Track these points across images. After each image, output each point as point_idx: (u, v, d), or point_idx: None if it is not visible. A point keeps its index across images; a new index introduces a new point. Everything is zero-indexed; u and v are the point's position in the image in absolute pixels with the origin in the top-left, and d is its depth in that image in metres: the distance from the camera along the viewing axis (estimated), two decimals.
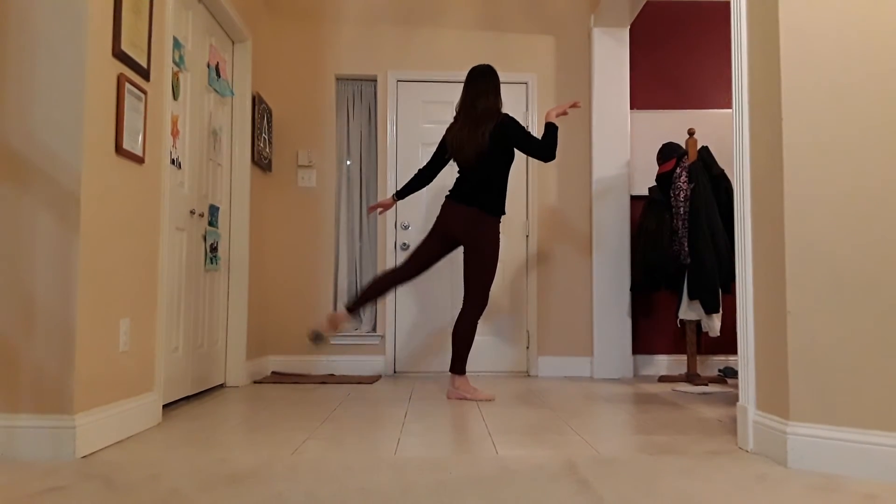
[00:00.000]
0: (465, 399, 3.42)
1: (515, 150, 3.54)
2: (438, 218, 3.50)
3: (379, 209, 3.76)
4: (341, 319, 3.52)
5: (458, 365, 3.45)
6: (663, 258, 4.13)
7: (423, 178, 3.69)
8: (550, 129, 3.37)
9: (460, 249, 4.43)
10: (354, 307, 3.52)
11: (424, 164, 3.62)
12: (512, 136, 3.38)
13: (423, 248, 3.53)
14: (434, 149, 4.62)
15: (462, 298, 3.61)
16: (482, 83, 3.48)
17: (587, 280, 4.63)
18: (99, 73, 2.25)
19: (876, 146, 2.01)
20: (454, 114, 3.62)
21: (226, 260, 3.90)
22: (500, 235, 3.48)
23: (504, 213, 3.50)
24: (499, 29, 4.76)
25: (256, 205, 4.26)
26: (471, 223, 3.41)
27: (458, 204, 3.44)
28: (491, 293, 4.63)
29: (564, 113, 3.46)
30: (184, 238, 3.26)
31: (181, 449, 2.26)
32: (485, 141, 3.36)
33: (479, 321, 3.44)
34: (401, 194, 3.72)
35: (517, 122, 3.41)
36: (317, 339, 3.50)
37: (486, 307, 3.57)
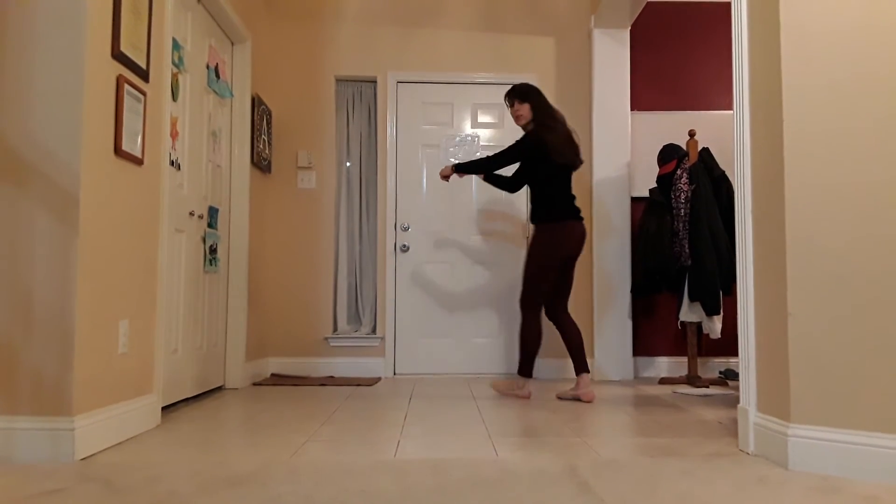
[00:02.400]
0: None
1: (538, 162, 3.55)
2: (570, 242, 3.49)
3: (445, 178, 3.74)
4: (528, 386, 3.59)
5: (583, 363, 3.52)
6: (664, 260, 4.12)
7: (505, 184, 3.81)
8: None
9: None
10: (530, 372, 3.55)
11: (522, 179, 3.76)
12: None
13: (551, 279, 3.50)
14: (431, 151, 4.69)
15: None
16: (545, 98, 3.66)
17: (588, 282, 4.62)
18: (98, 75, 2.25)
19: (878, 147, 2.01)
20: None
21: (225, 261, 3.90)
22: (547, 240, 3.51)
23: (549, 220, 3.52)
24: (499, 30, 4.75)
25: (256, 206, 4.26)
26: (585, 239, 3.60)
27: (581, 221, 3.57)
28: (492, 294, 4.63)
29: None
30: (183, 239, 3.25)
31: (180, 451, 2.25)
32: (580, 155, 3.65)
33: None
34: (469, 172, 3.71)
35: (518, 141, 3.55)
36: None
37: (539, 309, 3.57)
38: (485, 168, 3.61)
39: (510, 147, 3.54)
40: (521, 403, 3.38)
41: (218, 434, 2.55)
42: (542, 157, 3.48)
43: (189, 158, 3.31)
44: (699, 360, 4.65)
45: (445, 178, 3.67)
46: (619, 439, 2.49)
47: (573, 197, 3.58)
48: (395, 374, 4.56)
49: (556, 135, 3.50)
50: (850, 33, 2.06)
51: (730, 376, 4.42)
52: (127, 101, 2.42)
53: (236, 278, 3.95)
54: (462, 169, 3.65)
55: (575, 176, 4.66)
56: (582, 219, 3.57)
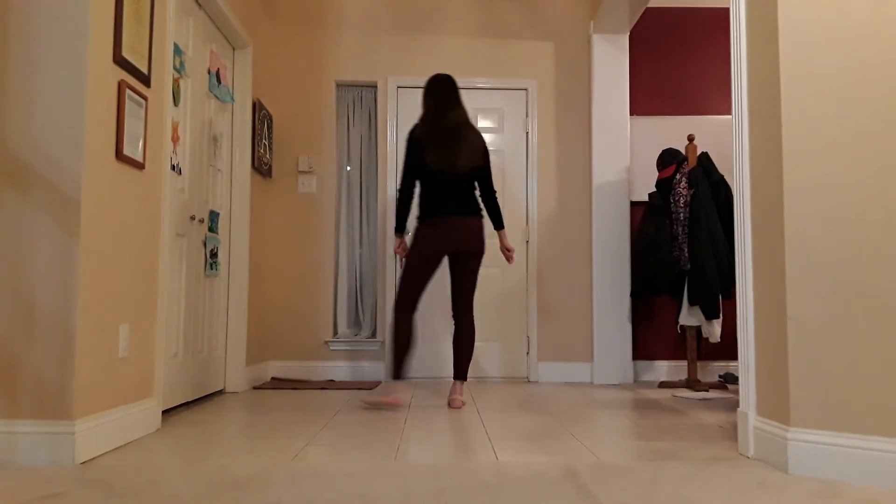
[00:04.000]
0: (458, 405, 3.36)
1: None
2: (435, 238, 3.31)
3: (400, 251, 3.55)
4: (397, 391, 3.29)
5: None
6: (663, 264, 4.12)
7: (409, 195, 3.40)
8: (499, 222, 3.54)
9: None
10: (398, 374, 3.31)
11: (403, 188, 3.38)
12: (487, 156, 3.44)
13: (420, 276, 3.33)
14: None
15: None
16: (453, 93, 3.42)
17: (587, 286, 4.63)
18: (100, 80, 2.26)
19: (876, 151, 2.02)
20: (418, 124, 3.42)
21: (226, 266, 3.90)
22: (414, 239, 3.42)
23: (418, 220, 3.41)
24: (499, 35, 4.77)
25: (256, 210, 4.26)
26: (478, 235, 3.38)
27: (460, 217, 3.32)
28: (491, 298, 4.63)
29: (502, 247, 3.56)
30: (184, 244, 3.26)
31: (180, 455, 2.25)
32: (477, 155, 3.36)
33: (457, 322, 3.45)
34: (402, 228, 3.48)
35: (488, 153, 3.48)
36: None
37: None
38: (399, 205, 3.41)
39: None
40: (520, 408, 3.38)
41: (218, 438, 2.55)
42: (413, 158, 3.35)
43: (190, 163, 3.32)
44: (699, 363, 4.65)
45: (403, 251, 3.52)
46: (619, 443, 2.49)
47: (462, 196, 3.34)
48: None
49: (429, 138, 3.32)
50: (849, 39, 2.07)
51: (729, 380, 4.43)
52: (128, 106, 2.43)
53: (237, 282, 3.96)
54: (400, 229, 3.48)
55: (575, 179, 4.70)
56: (460, 214, 3.31)
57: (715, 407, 3.43)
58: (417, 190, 3.53)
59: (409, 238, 4.17)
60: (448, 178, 3.33)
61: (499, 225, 3.55)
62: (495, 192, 3.51)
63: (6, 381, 2.11)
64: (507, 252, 3.58)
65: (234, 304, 3.94)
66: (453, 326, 3.47)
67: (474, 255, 3.40)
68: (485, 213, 3.50)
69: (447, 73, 4.61)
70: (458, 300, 3.44)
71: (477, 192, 3.47)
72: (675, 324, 4.61)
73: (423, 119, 3.42)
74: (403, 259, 3.39)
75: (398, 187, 3.46)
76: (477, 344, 4.60)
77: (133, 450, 2.33)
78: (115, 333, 2.39)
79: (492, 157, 4.70)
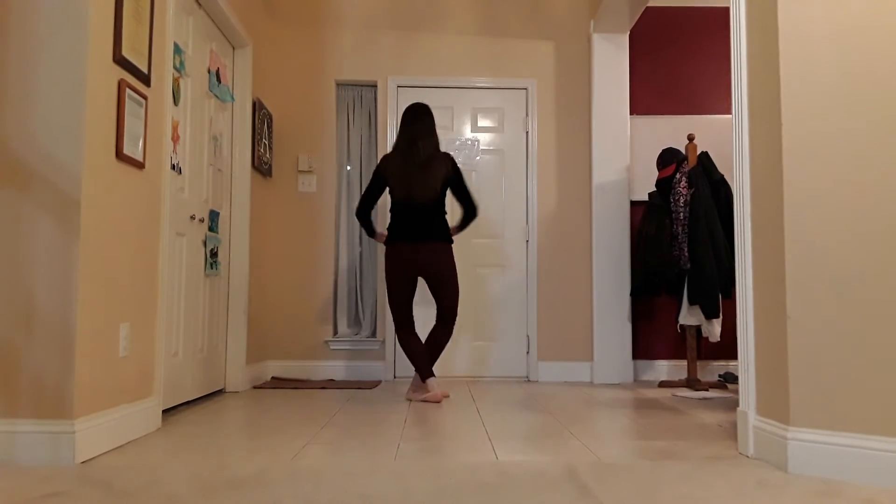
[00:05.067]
0: (434, 398, 3.49)
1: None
2: (399, 263, 3.52)
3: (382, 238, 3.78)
4: (430, 388, 3.51)
5: (428, 370, 3.55)
6: (663, 263, 4.13)
7: (368, 211, 3.68)
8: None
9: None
10: (426, 372, 3.55)
11: (363, 204, 3.67)
12: (456, 184, 3.61)
13: (401, 297, 3.58)
14: None
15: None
16: (424, 122, 3.60)
17: (587, 285, 4.63)
18: (100, 79, 2.26)
19: (876, 151, 2.02)
20: (388, 154, 3.65)
21: (226, 265, 3.91)
22: (385, 263, 3.66)
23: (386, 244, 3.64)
24: (499, 34, 4.77)
25: (257, 210, 4.26)
26: (440, 259, 3.55)
27: (420, 242, 3.52)
28: (491, 298, 4.64)
29: None
30: (184, 243, 3.26)
31: (181, 454, 2.26)
32: (439, 185, 3.54)
33: (462, 320, 3.68)
34: (375, 232, 3.76)
35: (460, 171, 3.64)
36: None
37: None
38: (361, 222, 3.71)
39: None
40: (520, 407, 3.38)
41: (218, 437, 2.55)
42: (374, 188, 3.64)
43: (190, 162, 3.32)
44: (698, 363, 4.65)
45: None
46: (619, 442, 2.49)
47: (425, 220, 3.52)
48: (394, 377, 4.56)
49: (394, 166, 3.57)
50: (849, 38, 2.07)
51: (729, 379, 4.43)
52: (128, 106, 2.43)
53: (237, 282, 3.96)
54: (372, 233, 3.76)
55: (575, 179, 4.70)
56: (421, 239, 3.50)
57: (715, 406, 3.43)
58: (375, 212, 3.86)
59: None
60: (412, 207, 3.55)
61: (455, 229, 3.72)
62: (475, 207, 3.66)
63: (6, 381, 2.11)
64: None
65: (234, 303, 3.94)
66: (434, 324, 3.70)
67: (439, 279, 3.57)
68: (447, 234, 3.62)
69: (451, 73, 4.66)
70: (441, 311, 3.64)
71: (445, 216, 3.64)
72: (675, 323, 4.61)
73: (393, 149, 3.66)
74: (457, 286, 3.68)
75: (356, 207, 3.71)
76: (477, 343, 4.60)
77: (133, 449, 2.33)
78: (116, 333, 2.39)
79: (492, 157, 4.71)
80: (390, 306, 3.62)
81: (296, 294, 4.57)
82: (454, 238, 3.80)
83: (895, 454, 1.89)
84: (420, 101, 4.69)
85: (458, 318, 4.58)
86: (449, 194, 4.45)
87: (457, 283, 3.62)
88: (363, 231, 3.67)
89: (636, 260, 4.38)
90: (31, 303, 2.12)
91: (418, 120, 3.60)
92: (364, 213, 3.67)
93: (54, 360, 2.12)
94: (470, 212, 3.65)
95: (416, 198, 3.52)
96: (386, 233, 3.65)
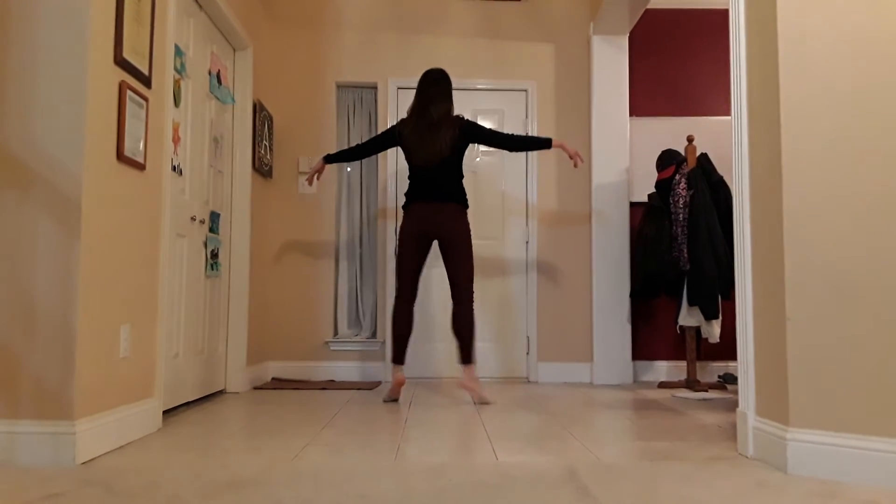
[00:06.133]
0: (470, 390, 3.49)
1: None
2: (413, 222, 3.53)
3: (316, 175, 3.80)
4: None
5: (470, 354, 3.51)
6: (663, 264, 4.13)
7: (362, 151, 3.72)
8: (542, 140, 3.56)
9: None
10: (398, 358, 3.54)
11: (363, 143, 3.74)
12: (479, 137, 3.57)
13: (408, 263, 3.55)
14: None
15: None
16: (436, 87, 3.61)
17: (587, 286, 4.63)
18: (101, 81, 2.27)
19: (875, 152, 2.02)
20: (405, 118, 3.67)
21: (226, 266, 3.91)
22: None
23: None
24: (499, 36, 4.78)
25: (257, 211, 4.27)
26: (453, 219, 3.52)
27: (435, 202, 3.51)
28: (491, 298, 4.64)
29: (568, 153, 3.60)
30: (185, 244, 3.26)
31: (181, 455, 2.26)
32: (446, 147, 3.50)
33: (463, 320, 3.55)
34: (330, 158, 3.75)
35: (477, 124, 3.59)
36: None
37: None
38: (350, 147, 3.82)
39: (485, 127, 3.62)
40: (520, 408, 3.38)
41: (219, 438, 2.56)
42: (383, 137, 3.68)
43: (191, 164, 3.33)
44: (698, 364, 4.65)
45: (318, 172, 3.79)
46: (619, 443, 2.50)
47: (438, 183, 3.52)
48: None
49: (407, 129, 3.59)
50: (848, 40, 2.07)
51: (729, 380, 4.43)
52: (129, 107, 2.44)
53: (237, 283, 3.96)
54: (327, 158, 3.76)
55: (574, 180, 4.71)
56: (433, 199, 3.50)
57: (714, 407, 3.43)
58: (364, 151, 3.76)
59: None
60: (424, 170, 3.55)
61: (541, 143, 3.56)
62: (509, 135, 3.58)
63: (7, 382, 2.11)
64: (572, 157, 3.61)
65: (234, 304, 3.95)
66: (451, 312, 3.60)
67: (451, 241, 3.52)
68: (462, 197, 3.57)
69: (451, 75, 4.65)
70: (454, 290, 3.55)
71: (460, 179, 3.59)
72: (675, 324, 4.61)
73: (408, 113, 3.68)
74: (470, 254, 3.58)
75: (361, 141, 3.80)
76: (477, 344, 4.60)
77: (134, 450, 2.34)
78: (116, 334, 2.39)
79: (492, 158, 4.71)
80: (396, 272, 3.60)
81: (296, 295, 4.57)
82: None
83: (895, 455, 1.89)
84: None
85: None
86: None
87: (471, 252, 3.54)
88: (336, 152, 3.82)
89: (636, 261, 4.38)
90: (31, 304, 2.13)
91: (433, 84, 3.60)
92: (362, 147, 3.70)
93: (55, 361, 2.12)
94: (509, 145, 3.56)
95: (426, 160, 3.52)
96: (322, 163, 3.74)
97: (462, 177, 3.61)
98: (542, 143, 3.55)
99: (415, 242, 3.54)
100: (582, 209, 4.69)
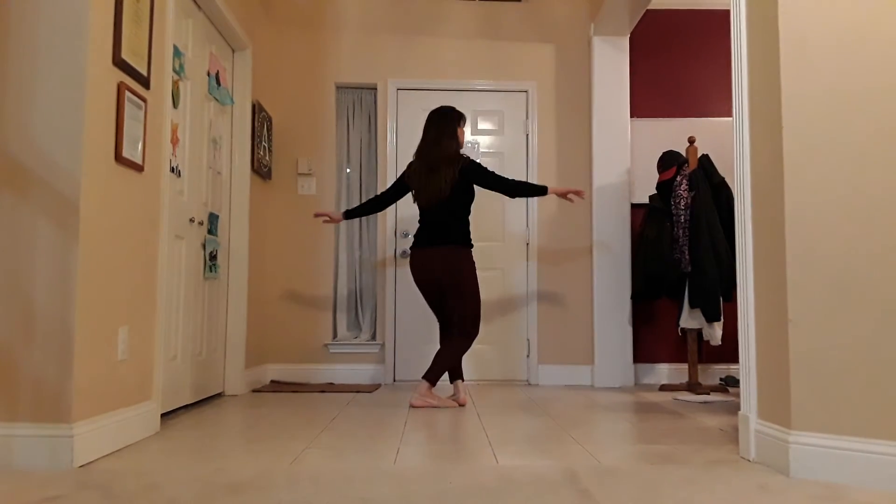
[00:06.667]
0: (432, 406, 3.43)
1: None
2: (414, 271, 3.58)
3: (325, 217, 3.78)
4: (426, 394, 3.45)
5: (434, 376, 3.47)
6: (664, 266, 4.12)
7: (378, 204, 3.76)
8: (539, 188, 3.54)
9: None
10: (434, 379, 3.48)
11: (382, 193, 3.77)
12: (479, 179, 3.53)
13: (429, 303, 3.65)
14: None
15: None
16: (436, 128, 3.60)
17: (587, 288, 4.62)
18: (99, 82, 2.25)
19: (876, 153, 2.01)
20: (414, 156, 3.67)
21: (225, 268, 3.90)
22: (476, 264, 3.64)
23: (472, 245, 3.59)
24: (499, 37, 4.77)
25: (256, 213, 4.26)
26: (447, 261, 3.50)
27: (429, 248, 3.53)
28: (491, 301, 4.62)
29: (564, 196, 3.58)
30: (183, 246, 3.25)
31: (179, 458, 2.25)
32: (446, 187, 3.49)
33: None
34: (350, 214, 3.77)
35: (479, 166, 3.53)
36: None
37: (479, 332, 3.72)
38: (369, 199, 3.82)
39: (488, 170, 3.59)
40: (520, 411, 3.37)
41: (217, 441, 2.54)
42: (398, 184, 3.72)
43: (189, 165, 3.32)
44: (700, 366, 4.64)
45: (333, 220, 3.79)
46: (620, 446, 2.48)
47: (438, 225, 3.52)
48: (394, 380, 4.55)
49: (412, 171, 3.63)
50: (850, 41, 2.06)
51: (730, 383, 4.42)
52: (128, 109, 2.43)
53: (236, 285, 3.95)
54: (346, 214, 3.78)
55: (575, 182, 4.69)
56: (430, 245, 3.51)
57: (716, 410, 3.42)
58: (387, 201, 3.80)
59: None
60: (427, 211, 3.58)
61: (538, 191, 3.55)
62: (509, 181, 3.54)
63: (4, 384, 2.10)
64: (570, 197, 3.60)
65: (233, 306, 3.93)
66: None
67: (446, 284, 3.52)
68: (460, 238, 3.54)
69: (451, 76, 4.64)
70: (451, 328, 3.57)
71: (460, 220, 3.56)
72: (676, 326, 4.60)
73: (414, 155, 3.68)
74: (472, 294, 3.58)
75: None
76: (477, 346, 4.58)
77: (132, 453, 2.32)
78: (114, 336, 2.38)
79: (492, 160, 4.70)
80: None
81: (295, 297, 4.56)
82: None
83: None
84: (421, 103, 4.66)
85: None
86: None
87: (469, 291, 3.51)
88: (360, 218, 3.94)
89: (637, 263, 4.37)
90: (29, 306, 2.11)
91: (433, 125, 3.62)
92: (382, 197, 3.74)
93: (53, 364, 2.11)
94: (509, 191, 3.54)
95: (427, 201, 3.54)
96: (341, 217, 3.76)
97: (465, 217, 3.57)
98: (538, 191, 3.54)
99: (423, 290, 3.61)
100: (582, 211, 4.68)
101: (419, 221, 3.62)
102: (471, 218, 3.66)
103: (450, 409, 3.42)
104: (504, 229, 4.68)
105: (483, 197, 4.66)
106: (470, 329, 3.52)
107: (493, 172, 3.54)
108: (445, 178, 3.49)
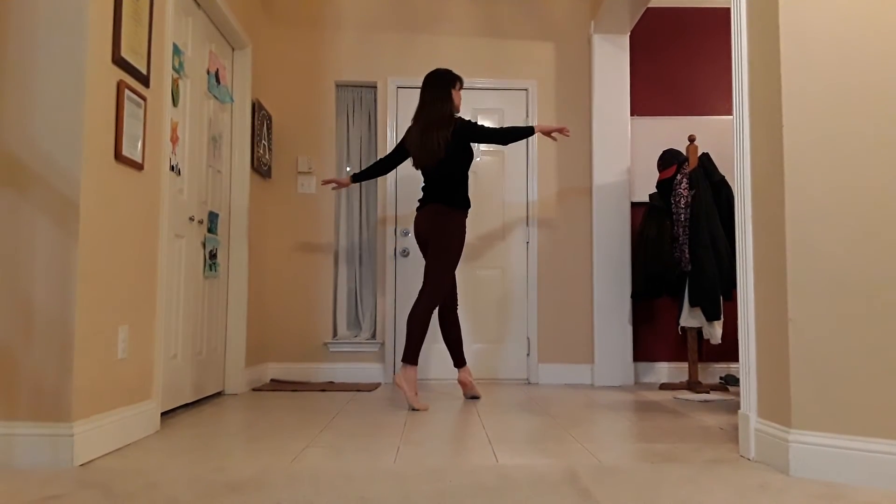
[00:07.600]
0: (403, 390, 3.32)
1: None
2: (415, 231, 3.67)
3: (333, 184, 3.85)
4: (408, 377, 3.36)
5: (409, 354, 3.37)
6: (664, 265, 4.12)
7: (382, 167, 3.83)
8: (527, 129, 3.54)
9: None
10: (410, 357, 3.38)
11: (386, 155, 3.85)
12: (472, 136, 3.55)
13: (426, 265, 3.61)
14: None
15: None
16: (430, 90, 3.64)
17: (588, 287, 4.62)
18: (99, 80, 2.25)
19: (877, 152, 2.01)
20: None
21: (225, 267, 3.90)
22: (466, 230, 3.65)
23: (468, 206, 3.62)
24: (499, 35, 4.76)
25: (256, 211, 4.26)
26: (432, 217, 3.55)
27: (423, 207, 3.61)
28: (491, 300, 4.62)
29: (549, 134, 3.58)
30: (183, 245, 3.25)
31: (179, 457, 2.25)
32: (440, 149, 3.51)
33: (461, 323, 3.50)
34: (357, 177, 3.87)
35: (472, 124, 3.55)
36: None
37: (449, 306, 3.69)
38: (375, 162, 3.87)
39: (480, 125, 3.62)
40: (520, 410, 3.37)
41: (217, 440, 2.54)
42: (399, 145, 3.77)
43: (189, 163, 3.31)
44: (700, 365, 4.64)
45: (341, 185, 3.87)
46: (620, 445, 2.48)
47: (433, 185, 3.57)
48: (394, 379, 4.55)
49: (409, 134, 3.67)
50: (850, 39, 2.06)
51: (730, 382, 4.42)
52: (127, 107, 2.42)
53: (236, 284, 3.95)
54: (354, 176, 3.88)
55: (575, 180, 4.69)
56: (423, 204, 3.59)
57: (716, 409, 3.42)
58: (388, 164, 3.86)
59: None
60: (425, 173, 3.65)
61: (525, 132, 3.54)
62: (496, 129, 3.54)
63: (5, 383, 2.10)
64: (554, 136, 3.61)
65: (233, 305, 3.93)
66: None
67: (430, 240, 3.56)
68: (450, 198, 3.54)
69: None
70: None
71: (456, 179, 3.57)
72: (676, 325, 4.60)
73: (413, 119, 3.73)
74: (446, 254, 3.55)
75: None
76: (477, 346, 4.59)
77: (132, 452, 2.32)
78: (114, 335, 2.38)
79: (492, 158, 4.70)
80: None
81: (295, 296, 4.56)
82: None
83: None
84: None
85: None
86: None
87: (445, 247, 3.47)
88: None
89: (637, 262, 4.37)
90: (29, 305, 2.11)
91: (427, 87, 3.65)
92: (375, 164, 3.83)
93: (53, 363, 2.11)
94: (502, 140, 3.52)
95: (424, 162, 3.59)
96: (349, 180, 3.86)
97: (460, 177, 3.58)
98: (527, 132, 3.54)
99: (423, 248, 3.67)
100: (583, 209, 4.67)
101: (423, 181, 3.69)
102: (469, 184, 3.71)
103: (449, 408, 3.41)
104: (504, 228, 4.68)
105: (483, 196, 4.67)
106: (432, 290, 3.44)
107: (483, 126, 3.56)
108: (439, 141, 3.52)
